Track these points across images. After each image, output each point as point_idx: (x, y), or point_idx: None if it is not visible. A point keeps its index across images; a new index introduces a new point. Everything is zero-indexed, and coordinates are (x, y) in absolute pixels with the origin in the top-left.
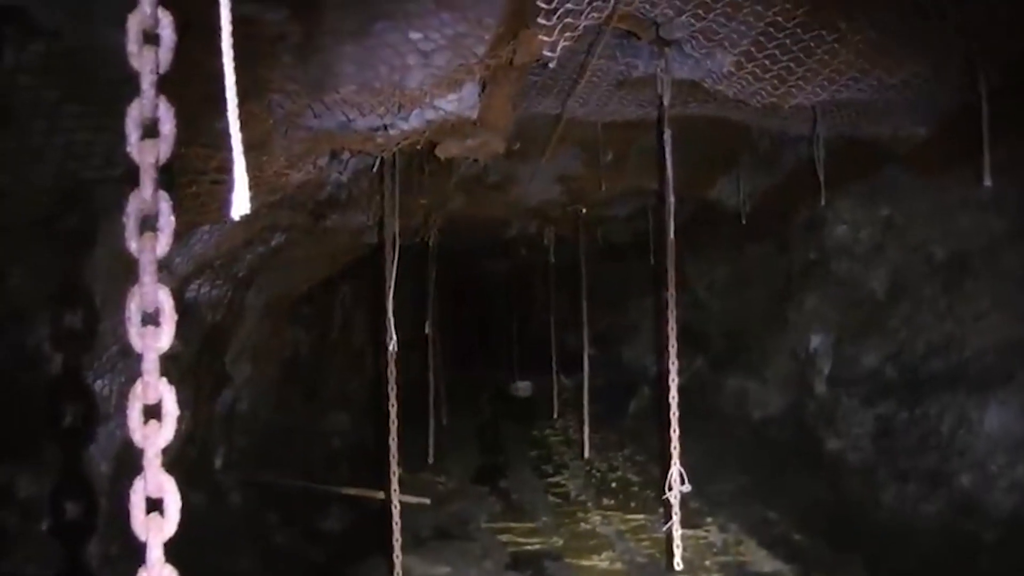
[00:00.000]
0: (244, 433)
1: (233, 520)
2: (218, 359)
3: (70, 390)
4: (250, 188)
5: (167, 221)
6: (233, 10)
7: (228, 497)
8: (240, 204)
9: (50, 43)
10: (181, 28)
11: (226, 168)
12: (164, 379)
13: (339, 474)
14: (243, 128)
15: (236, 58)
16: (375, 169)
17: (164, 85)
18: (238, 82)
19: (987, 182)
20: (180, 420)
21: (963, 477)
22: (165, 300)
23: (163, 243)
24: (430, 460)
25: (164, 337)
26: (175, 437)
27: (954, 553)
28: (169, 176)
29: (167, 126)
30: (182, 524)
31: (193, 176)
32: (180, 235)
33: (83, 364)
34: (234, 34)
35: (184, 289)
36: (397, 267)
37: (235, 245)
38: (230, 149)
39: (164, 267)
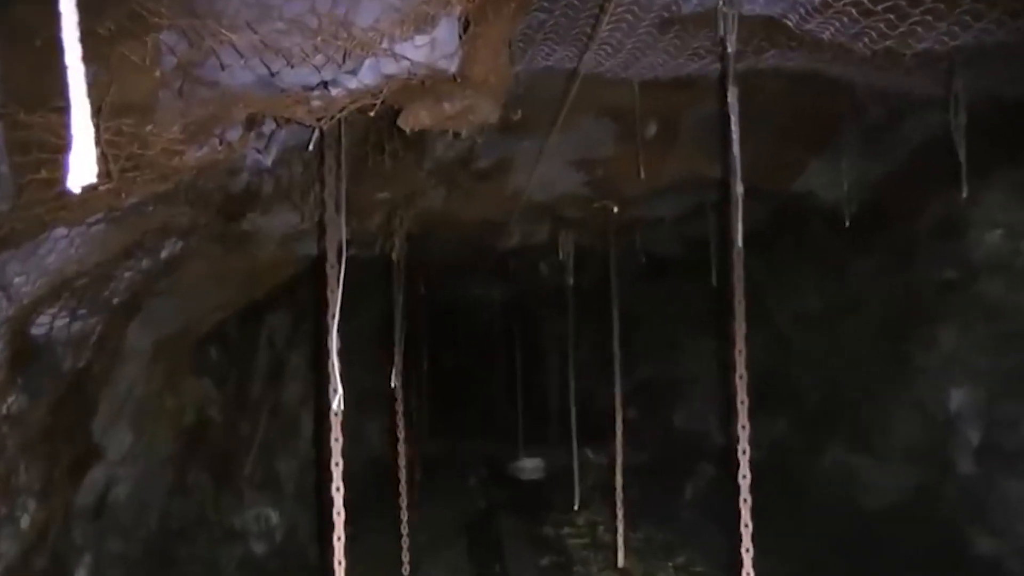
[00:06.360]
0: (121, 532)
1: None
2: (83, 424)
3: None
4: (130, 170)
5: None
6: None
7: None
8: (83, 168)
9: None
10: None
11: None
12: None
13: None
14: (117, 81)
15: None
16: (311, 147)
17: None
18: (108, 13)
19: None
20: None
21: None
22: None
23: None
24: (404, 571)
25: None
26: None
27: None
28: None
29: None
30: None
31: (41, 155)
32: (24, 241)
33: None
34: None
35: (30, 320)
36: (350, 290)
37: (108, 257)
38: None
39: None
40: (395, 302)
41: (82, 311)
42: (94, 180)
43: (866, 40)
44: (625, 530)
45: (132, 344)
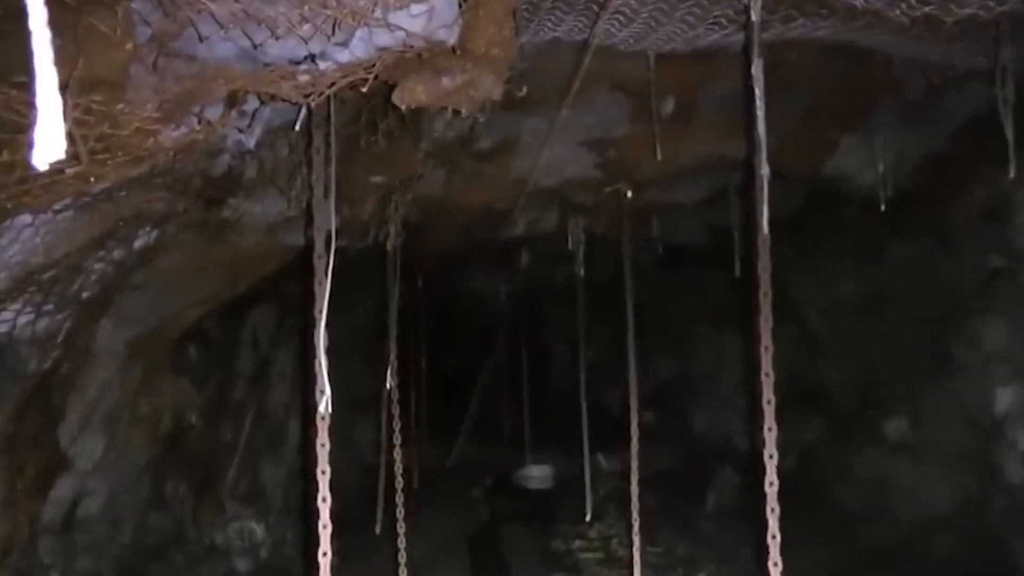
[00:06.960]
0: (92, 549)
1: None
2: (49, 431)
3: None
4: (100, 152)
5: None
6: None
7: None
8: (50, 143)
9: None
10: None
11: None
12: None
13: None
14: (85, 55)
15: None
16: (298, 127)
17: None
18: None
19: None
20: None
21: None
22: None
23: None
24: None
25: None
26: None
27: None
28: None
29: None
30: None
31: (1, 135)
32: None
33: None
34: None
35: None
36: (341, 283)
37: (77, 247)
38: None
39: None
40: (390, 296)
41: (48, 307)
42: (62, 156)
43: (903, 6)
44: (642, 543)
45: (103, 343)
